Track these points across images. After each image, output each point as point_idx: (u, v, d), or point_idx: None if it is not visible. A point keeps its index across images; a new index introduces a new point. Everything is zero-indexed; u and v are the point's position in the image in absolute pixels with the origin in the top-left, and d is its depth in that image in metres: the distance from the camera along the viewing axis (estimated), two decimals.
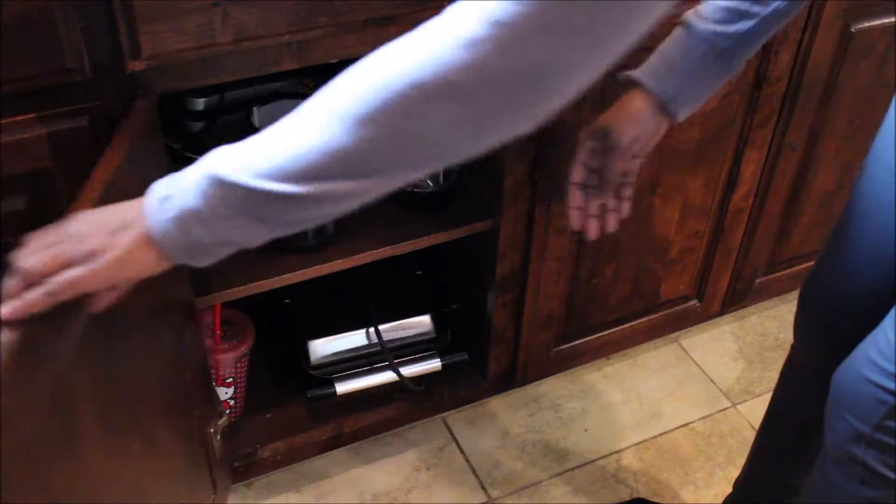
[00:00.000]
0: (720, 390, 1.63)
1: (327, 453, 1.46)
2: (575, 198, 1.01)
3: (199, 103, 1.20)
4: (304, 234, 1.18)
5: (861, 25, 1.35)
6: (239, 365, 1.35)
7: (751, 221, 1.54)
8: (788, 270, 1.68)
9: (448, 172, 1.29)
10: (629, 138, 0.98)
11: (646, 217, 1.41)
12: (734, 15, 0.92)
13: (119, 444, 0.87)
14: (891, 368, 0.84)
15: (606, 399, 1.60)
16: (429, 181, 1.28)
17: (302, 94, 1.18)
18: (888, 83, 1.44)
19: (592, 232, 1.04)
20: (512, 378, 1.53)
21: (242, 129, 1.26)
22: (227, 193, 0.62)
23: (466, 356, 1.50)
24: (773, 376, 1.64)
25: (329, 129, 0.59)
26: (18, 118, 0.84)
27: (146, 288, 0.91)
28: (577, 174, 1.00)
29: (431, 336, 1.48)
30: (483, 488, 1.44)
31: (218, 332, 1.31)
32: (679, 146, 1.34)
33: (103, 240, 0.67)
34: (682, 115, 0.97)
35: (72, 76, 0.85)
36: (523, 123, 0.60)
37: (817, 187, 1.55)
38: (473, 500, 1.43)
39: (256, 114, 1.11)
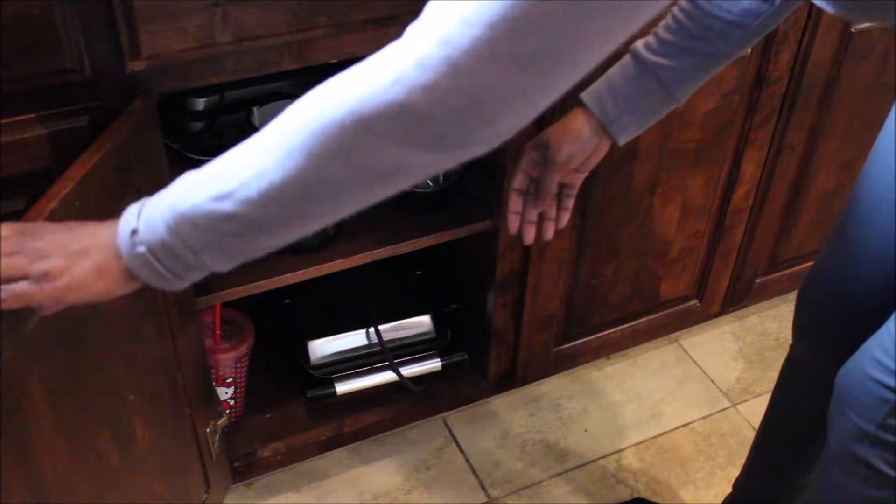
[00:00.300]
0: (720, 390, 1.63)
1: (327, 453, 1.46)
2: (513, 202, 1.02)
3: (199, 103, 1.20)
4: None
5: (861, 26, 1.35)
6: (239, 365, 1.35)
7: (751, 221, 1.54)
8: (788, 270, 1.68)
9: (448, 172, 1.29)
10: (566, 155, 0.99)
11: (646, 217, 1.41)
12: (677, 50, 0.95)
13: (84, 442, 0.86)
14: (894, 366, 0.84)
15: (606, 399, 1.60)
16: (429, 181, 1.28)
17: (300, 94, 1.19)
18: (888, 84, 1.44)
19: (527, 237, 1.06)
20: (512, 378, 1.53)
21: (242, 128, 1.26)
22: (189, 225, 0.64)
23: (466, 356, 1.50)
24: (773, 376, 1.64)
25: (279, 154, 0.62)
26: (18, 118, 0.84)
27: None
28: (517, 181, 1.02)
29: (431, 336, 1.48)
30: (483, 488, 1.44)
31: (218, 332, 1.31)
32: (679, 146, 1.34)
33: (60, 263, 0.68)
34: (623, 140, 1.00)
35: (72, 76, 0.85)
36: (474, 147, 0.61)
37: (817, 187, 1.55)
38: (473, 500, 1.43)
39: (256, 114, 1.10)
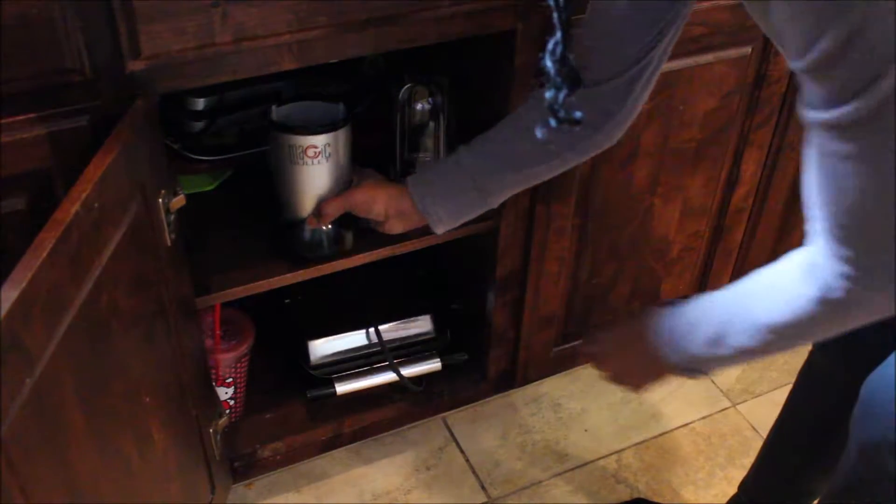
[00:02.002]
0: (720, 390, 1.63)
1: (327, 453, 1.46)
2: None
3: (199, 103, 1.20)
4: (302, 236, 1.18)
5: None
6: (239, 365, 1.35)
7: (751, 221, 1.54)
8: None
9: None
10: (389, 225, 1.17)
11: (646, 217, 1.40)
12: (498, 163, 1.07)
13: (111, 444, 0.87)
14: None
15: (606, 399, 1.60)
16: None
17: (317, 94, 1.19)
18: None
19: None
20: (512, 378, 1.53)
21: (242, 128, 1.26)
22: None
23: (466, 356, 1.50)
24: (773, 376, 1.64)
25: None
26: (18, 118, 0.84)
27: (142, 288, 0.92)
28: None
29: (431, 336, 1.48)
30: (483, 488, 1.44)
31: (218, 332, 1.31)
32: (679, 146, 1.34)
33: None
34: (440, 230, 1.15)
35: (72, 76, 0.85)
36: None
37: None
38: (473, 500, 1.43)
39: (275, 112, 1.13)
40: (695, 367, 0.89)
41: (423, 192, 1.12)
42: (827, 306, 0.74)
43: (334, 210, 1.15)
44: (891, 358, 0.89)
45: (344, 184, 1.17)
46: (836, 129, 0.65)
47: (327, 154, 1.12)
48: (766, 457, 1.27)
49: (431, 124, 1.22)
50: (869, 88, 0.61)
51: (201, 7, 0.87)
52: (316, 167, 1.12)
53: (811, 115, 0.67)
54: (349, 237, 1.22)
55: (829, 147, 0.66)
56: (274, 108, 1.13)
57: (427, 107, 1.21)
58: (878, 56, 0.60)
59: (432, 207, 1.12)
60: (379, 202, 1.15)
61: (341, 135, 1.13)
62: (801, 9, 0.62)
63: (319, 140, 1.10)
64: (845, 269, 0.71)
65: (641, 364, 0.94)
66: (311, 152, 1.11)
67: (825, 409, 1.12)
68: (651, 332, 0.91)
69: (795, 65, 0.66)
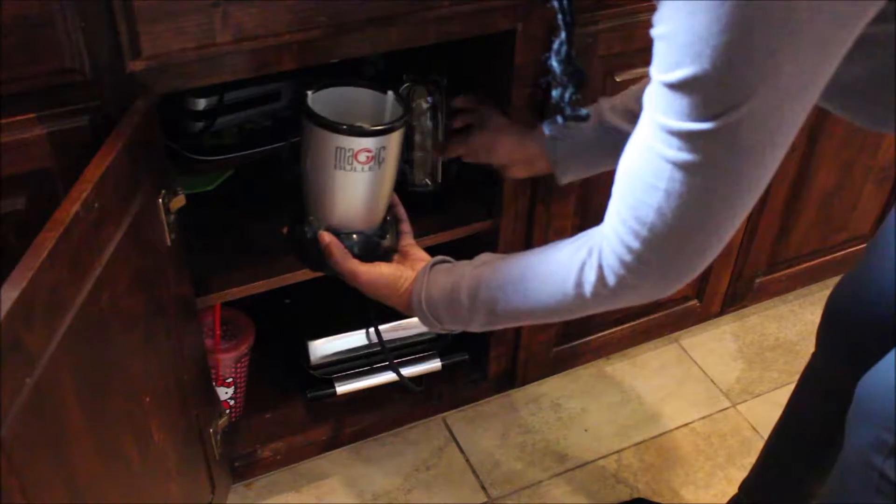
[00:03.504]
0: (720, 390, 1.63)
1: (327, 453, 1.46)
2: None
3: (200, 103, 1.20)
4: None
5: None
6: (239, 365, 1.35)
7: (751, 221, 1.54)
8: (788, 270, 1.68)
9: (448, 172, 1.29)
10: (511, 172, 1.14)
11: None
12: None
13: (111, 444, 0.87)
14: None
15: (606, 399, 1.60)
16: (427, 180, 1.28)
17: (356, 82, 1.02)
18: None
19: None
20: (512, 378, 1.53)
21: (242, 129, 1.26)
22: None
23: (466, 356, 1.50)
24: (773, 376, 1.64)
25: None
26: (18, 118, 0.84)
27: (142, 288, 0.92)
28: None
29: (431, 336, 1.48)
30: (483, 488, 1.44)
31: (218, 332, 1.31)
32: None
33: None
34: (564, 181, 1.11)
35: (72, 76, 0.85)
36: None
37: (817, 187, 1.55)
38: (473, 500, 1.43)
39: (311, 99, 0.95)
40: (439, 322, 0.92)
41: (557, 139, 1.06)
42: (596, 290, 0.77)
43: (452, 152, 1.13)
44: (885, 359, 0.88)
45: (388, 193, 1.00)
46: (684, 137, 0.65)
47: (381, 160, 0.93)
48: (767, 458, 1.27)
49: (430, 124, 1.22)
50: (731, 110, 0.61)
51: (201, 7, 0.87)
52: (364, 174, 0.93)
53: (658, 117, 0.66)
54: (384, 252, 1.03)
55: (666, 151, 0.66)
56: (309, 94, 0.94)
57: (426, 106, 1.21)
58: (745, 81, 0.60)
59: (563, 156, 1.07)
60: (503, 147, 1.10)
61: (397, 136, 0.94)
62: (679, 28, 0.61)
63: (374, 143, 0.91)
64: (626, 257, 0.73)
65: (385, 299, 0.97)
66: (362, 157, 0.91)
67: (827, 412, 1.12)
68: (409, 295, 0.93)
69: (658, 77, 0.64)
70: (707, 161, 0.65)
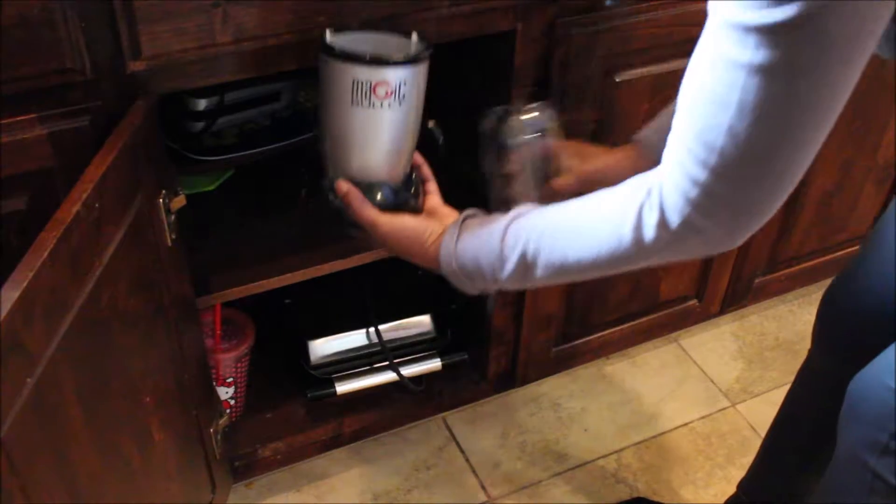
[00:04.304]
0: (720, 390, 1.63)
1: (327, 453, 1.46)
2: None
3: (200, 103, 1.20)
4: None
5: None
6: (239, 365, 1.35)
7: None
8: (788, 270, 1.69)
9: (447, 172, 1.28)
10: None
11: None
12: None
13: (111, 444, 0.87)
14: None
15: (606, 399, 1.60)
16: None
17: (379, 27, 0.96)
18: (888, 84, 1.44)
19: None
20: (512, 378, 1.53)
21: (242, 129, 1.26)
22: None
23: (466, 356, 1.50)
24: (772, 376, 1.64)
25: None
26: (19, 118, 0.84)
27: (142, 288, 0.92)
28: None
29: (431, 336, 1.48)
30: (483, 488, 1.44)
31: (218, 332, 1.31)
32: None
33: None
34: None
35: (72, 76, 0.85)
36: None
37: (817, 187, 1.55)
38: (473, 500, 1.43)
39: (329, 36, 0.91)
40: (474, 284, 0.86)
41: (651, 138, 0.97)
42: (658, 234, 0.69)
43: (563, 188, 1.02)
44: (877, 358, 0.88)
45: (411, 141, 0.94)
46: (759, 33, 0.56)
47: (401, 95, 0.87)
48: (765, 457, 1.27)
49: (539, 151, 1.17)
50: None
51: (202, 7, 0.87)
52: (384, 112, 0.88)
53: (728, 14, 0.58)
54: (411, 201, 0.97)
55: (739, 54, 0.58)
56: (328, 31, 0.90)
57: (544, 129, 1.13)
58: None
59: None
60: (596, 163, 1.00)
61: (421, 71, 0.89)
62: None
63: (393, 75, 0.86)
64: (692, 192, 0.65)
65: (409, 254, 0.91)
66: (381, 91, 0.86)
67: (823, 409, 1.12)
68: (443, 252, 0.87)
69: None
70: (789, 58, 0.56)
